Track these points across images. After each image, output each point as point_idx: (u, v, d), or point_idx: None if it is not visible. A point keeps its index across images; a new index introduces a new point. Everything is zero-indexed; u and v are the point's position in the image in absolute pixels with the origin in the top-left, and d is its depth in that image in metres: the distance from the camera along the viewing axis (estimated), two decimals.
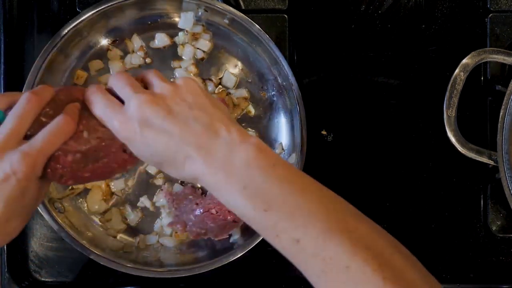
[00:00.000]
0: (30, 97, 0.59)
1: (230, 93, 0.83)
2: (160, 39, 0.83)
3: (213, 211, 0.76)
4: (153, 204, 0.83)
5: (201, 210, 0.77)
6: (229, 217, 0.77)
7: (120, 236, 0.83)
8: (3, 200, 0.57)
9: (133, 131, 0.57)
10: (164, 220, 0.82)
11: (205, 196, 0.81)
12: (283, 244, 0.54)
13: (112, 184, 0.83)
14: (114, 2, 0.78)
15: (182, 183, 0.82)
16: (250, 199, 0.54)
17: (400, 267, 0.51)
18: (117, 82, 0.61)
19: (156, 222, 0.83)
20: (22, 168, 0.56)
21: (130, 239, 0.83)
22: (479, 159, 0.77)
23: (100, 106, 0.60)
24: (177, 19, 0.83)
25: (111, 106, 0.59)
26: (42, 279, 0.85)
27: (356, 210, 0.56)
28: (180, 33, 0.83)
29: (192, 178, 0.57)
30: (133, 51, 0.83)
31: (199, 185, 0.83)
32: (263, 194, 0.54)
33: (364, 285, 0.50)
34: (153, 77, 0.62)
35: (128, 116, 0.58)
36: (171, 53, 0.84)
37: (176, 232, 0.82)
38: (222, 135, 0.56)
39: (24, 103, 0.59)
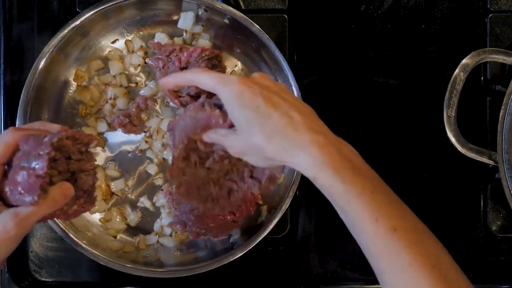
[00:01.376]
0: None
1: None
2: (160, 39, 0.83)
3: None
4: (153, 204, 0.83)
5: (200, 209, 0.77)
6: (229, 217, 0.77)
7: (120, 236, 0.83)
8: None
9: (255, 94, 0.58)
10: (164, 220, 0.82)
11: None
12: (378, 229, 0.55)
13: (112, 184, 0.83)
14: (114, 2, 0.78)
15: None
16: (361, 178, 0.56)
17: (459, 284, 0.57)
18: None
19: (156, 222, 0.83)
20: (12, 230, 0.58)
21: (130, 239, 0.83)
22: (479, 159, 0.77)
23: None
24: (177, 19, 0.83)
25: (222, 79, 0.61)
26: (42, 279, 0.85)
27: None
28: (177, 38, 0.83)
29: (292, 163, 0.59)
30: (133, 51, 0.83)
31: None
32: (369, 178, 0.57)
33: (445, 284, 0.54)
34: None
35: (251, 82, 0.59)
36: None
37: (176, 232, 0.82)
38: (305, 145, 0.58)
39: None
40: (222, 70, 0.80)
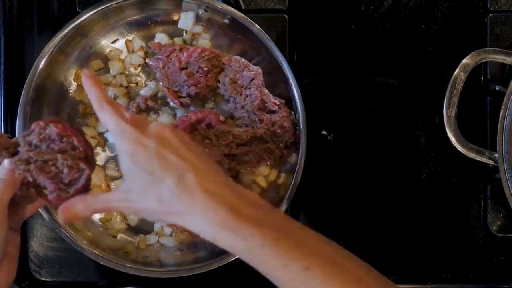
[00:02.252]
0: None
1: None
2: (160, 39, 0.83)
3: None
4: None
5: None
6: None
7: (120, 236, 0.83)
8: None
9: (151, 156, 0.57)
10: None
11: None
12: (291, 274, 0.55)
13: (112, 184, 0.83)
14: (114, 2, 0.78)
15: None
16: (261, 228, 0.55)
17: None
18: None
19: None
20: None
21: (130, 239, 0.83)
22: (479, 159, 0.77)
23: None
24: (177, 19, 0.83)
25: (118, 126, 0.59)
26: (42, 279, 0.85)
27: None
28: (177, 38, 0.83)
29: (187, 225, 0.57)
30: (133, 51, 0.84)
31: None
32: (271, 224, 0.56)
33: None
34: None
35: (148, 138, 0.58)
36: None
37: (176, 232, 0.82)
38: (197, 204, 0.56)
39: None
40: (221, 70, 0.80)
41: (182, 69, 0.78)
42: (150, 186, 0.56)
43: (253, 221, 0.55)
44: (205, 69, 0.78)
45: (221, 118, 0.82)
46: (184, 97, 0.80)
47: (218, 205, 0.55)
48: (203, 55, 0.77)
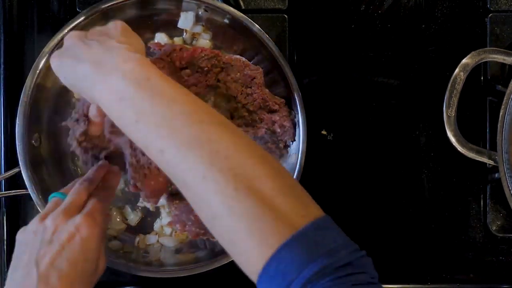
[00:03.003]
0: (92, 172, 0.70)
1: None
2: (160, 39, 0.83)
3: None
4: (153, 204, 0.83)
5: None
6: None
7: (120, 236, 0.83)
8: (68, 260, 0.60)
9: (56, 60, 0.63)
10: (163, 220, 0.82)
11: None
12: (151, 155, 0.55)
13: None
14: (114, 2, 0.78)
15: None
16: (124, 110, 0.55)
17: (258, 176, 0.51)
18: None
19: (156, 222, 0.83)
20: (84, 224, 0.62)
21: (130, 239, 0.83)
22: (479, 159, 0.77)
23: None
24: (177, 19, 0.83)
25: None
26: None
27: (228, 123, 0.56)
28: (177, 38, 0.83)
29: (91, 97, 0.59)
30: None
31: None
32: (134, 105, 0.55)
33: (217, 196, 0.50)
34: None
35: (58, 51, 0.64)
36: None
37: (176, 232, 0.82)
38: (111, 51, 0.58)
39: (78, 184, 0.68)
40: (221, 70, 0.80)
41: (181, 69, 0.78)
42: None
43: (120, 100, 0.55)
44: (205, 69, 0.78)
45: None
46: None
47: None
48: (203, 55, 0.77)
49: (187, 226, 0.78)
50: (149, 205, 0.83)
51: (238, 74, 0.79)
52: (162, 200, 0.82)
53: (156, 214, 0.83)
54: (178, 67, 0.78)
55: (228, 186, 0.50)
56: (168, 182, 0.76)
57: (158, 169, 0.74)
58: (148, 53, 0.83)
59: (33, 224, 0.65)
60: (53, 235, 0.62)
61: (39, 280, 0.59)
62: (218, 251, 0.79)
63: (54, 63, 0.63)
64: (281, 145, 0.80)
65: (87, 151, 0.73)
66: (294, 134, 0.80)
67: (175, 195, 0.82)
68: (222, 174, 0.50)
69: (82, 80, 0.59)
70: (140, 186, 0.73)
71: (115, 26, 0.64)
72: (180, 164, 0.52)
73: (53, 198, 0.69)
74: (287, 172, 0.56)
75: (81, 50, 0.60)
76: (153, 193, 0.76)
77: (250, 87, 0.78)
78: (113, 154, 0.74)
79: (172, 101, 0.55)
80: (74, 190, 0.68)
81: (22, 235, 0.65)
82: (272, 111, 0.79)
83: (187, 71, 0.78)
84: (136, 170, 0.73)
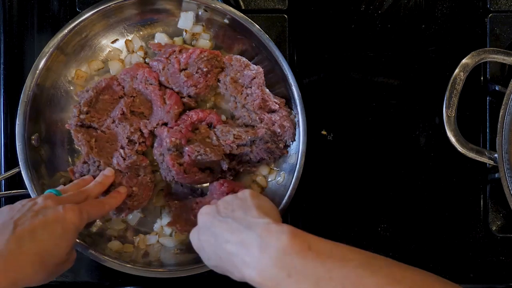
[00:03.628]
0: (95, 183, 0.75)
1: None
2: (160, 39, 0.83)
3: None
4: (153, 204, 0.83)
5: (198, 207, 0.77)
6: None
7: (120, 236, 0.83)
8: (46, 234, 0.63)
9: (195, 239, 0.67)
10: (164, 220, 0.82)
11: (204, 196, 0.81)
12: None
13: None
14: (114, 2, 0.78)
15: (181, 184, 0.82)
16: (297, 285, 0.55)
17: None
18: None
19: (156, 222, 0.83)
20: (71, 210, 0.66)
21: (130, 239, 0.83)
22: (479, 159, 0.77)
23: None
24: (177, 19, 0.83)
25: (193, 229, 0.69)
26: None
27: (396, 261, 0.59)
28: (177, 38, 0.83)
29: (241, 276, 0.59)
30: (133, 51, 0.83)
31: (198, 185, 0.83)
32: (309, 277, 0.55)
33: None
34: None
35: (196, 228, 0.68)
36: None
37: (175, 232, 0.82)
38: (255, 229, 0.59)
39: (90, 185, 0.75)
40: (222, 69, 0.80)
41: (181, 70, 0.78)
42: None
43: (289, 276, 0.55)
44: (204, 69, 0.78)
45: (223, 118, 0.82)
46: (184, 98, 0.80)
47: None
48: (202, 56, 0.77)
49: (186, 226, 0.78)
50: (149, 205, 0.83)
51: (238, 74, 0.79)
52: (162, 200, 0.83)
53: (156, 214, 0.83)
54: (178, 68, 0.78)
55: None
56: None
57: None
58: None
59: (23, 200, 0.68)
60: (40, 209, 0.65)
61: (10, 238, 0.61)
62: None
63: (195, 243, 0.67)
64: (281, 145, 0.80)
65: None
66: (294, 134, 0.80)
67: (174, 195, 0.82)
68: None
69: (227, 262, 0.60)
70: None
71: (246, 197, 0.66)
72: None
73: (48, 192, 0.71)
74: None
75: (219, 229, 0.62)
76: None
77: (250, 87, 0.78)
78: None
79: (344, 259, 0.56)
80: (68, 190, 0.72)
81: (8, 206, 0.67)
82: (272, 111, 0.79)
83: (187, 72, 0.78)
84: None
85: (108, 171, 0.76)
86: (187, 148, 0.76)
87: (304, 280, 0.55)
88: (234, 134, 0.77)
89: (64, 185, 0.77)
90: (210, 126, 0.80)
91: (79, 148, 0.80)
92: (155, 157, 0.80)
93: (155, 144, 0.80)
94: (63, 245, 0.65)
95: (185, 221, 0.79)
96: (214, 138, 0.78)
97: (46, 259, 0.64)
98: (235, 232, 0.60)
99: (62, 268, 0.68)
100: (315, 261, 0.55)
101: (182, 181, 0.79)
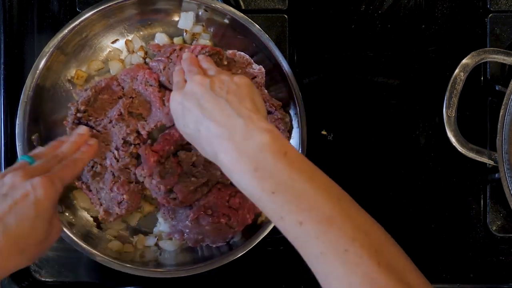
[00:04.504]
0: (69, 143, 0.72)
1: None
2: (160, 39, 0.83)
3: (209, 211, 0.76)
4: (143, 212, 0.83)
5: (195, 211, 0.77)
6: (222, 220, 0.76)
7: (119, 236, 0.83)
8: (17, 217, 0.60)
9: (177, 102, 0.66)
10: (161, 227, 0.82)
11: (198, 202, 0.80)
12: (286, 226, 0.56)
13: None
14: (114, 2, 0.78)
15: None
16: (259, 180, 0.57)
17: (394, 255, 0.55)
18: (184, 66, 0.72)
19: (155, 226, 0.83)
20: (40, 186, 0.62)
21: (129, 239, 0.83)
22: (479, 159, 0.77)
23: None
24: (177, 19, 0.83)
25: (176, 86, 0.70)
26: (42, 279, 0.85)
27: (357, 204, 0.59)
28: (177, 38, 0.83)
29: (212, 154, 0.61)
30: (133, 51, 0.83)
31: None
32: (272, 177, 0.57)
33: (360, 268, 0.52)
34: (208, 65, 0.72)
35: (181, 91, 0.67)
36: None
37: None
38: (244, 118, 0.60)
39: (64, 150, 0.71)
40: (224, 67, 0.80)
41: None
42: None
43: (259, 169, 0.57)
44: None
45: None
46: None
47: (230, 149, 0.59)
48: (204, 52, 0.77)
49: (185, 234, 0.78)
50: (149, 205, 0.83)
51: (240, 70, 0.79)
52: (150, 208, 0.83)
53: (156, 214, 0.83)
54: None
55: (370, 260, 0.53)
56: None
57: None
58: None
59: None
60: (8, 191, 0.62)
61: None
62: (216, 253, 0.79)
63: (175, 104, 0.66)
64: None
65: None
66: (289, 138, 0.80)
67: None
68: (365, 249, 0.53)
69: (205, 137, 0.61)
70: (202, 238, 0.79)
71: (242, 84, 0.66)
72: (320, 237, 0.54)
73: (21, 160, 0.68)
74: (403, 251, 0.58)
75: (209, 104, 0.62)
76: (217, 238, 0.79)
77: None
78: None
79: (311, 177, 0.57)
80: (43, 154, 0.69)
81: None
82: (267, 113, 0.79)
83: None
84: (196, 226, 0.78)
85: (83, 129, 0.74)
86: (176, 190, 0.77)
87: (267, 179, 0.56)
88: None
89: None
90: None
91: None
92: (139, 178, 0.78)
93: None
94: (39, 225, 0.62)
95: (183, 229, 0.78)
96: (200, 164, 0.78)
97: (23, 244, 0.61)
98: (224, 114, 0.61)
99: (45, 246, 0.65)
100: (284, 167, 0.57)
101: (179, 206, 0.79)
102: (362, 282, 0.52)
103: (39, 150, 0.71)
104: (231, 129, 0.60)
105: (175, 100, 0.67)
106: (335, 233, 0.54)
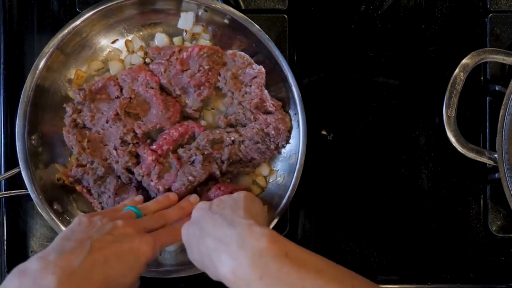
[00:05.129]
0: (177, 208, 0.74)
1: None
2: (160, 39, 0.83)
3: None
4: None
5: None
6: None
7: None
8: (118, 265, 0.62)
9: (185, 232, 0.67)
10: None
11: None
12: None
13: None
14: (114, 2, 0.78)
15: None
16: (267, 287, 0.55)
17: None
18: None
19: None
20: (148, 244, 0.65)
21: None
22: (479, 159, 0.77)
23: None
24: (177, 19, 0.82)
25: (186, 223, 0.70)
26: None
27: (368, 280, 0.59)
28: (176, 38, 0.83)
29: (214, 271, 0.60)
30: (133, 51, 0.83)
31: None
32: (281, 282, 0.55)
33: None
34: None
35: (188, 222, 0.68)
36: None
37: None
38: (238, 228, 0.60)
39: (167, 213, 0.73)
40: (223, 66, 0.80)
41: (183, 71, 0.78)
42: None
43: (260, 278, 0.56)
44: (206, 67, 0.78)
45: (203, 123, 0.82)
46: (190, 108, 0.80)
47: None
48: (202, 52, 0.77)
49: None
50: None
51: (240, 70, 0.79)
52: None
53: None
54: (180, 68, 0.78)
55: None
56: None
57: None
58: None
59: (102, 217, 0.67)
60: (119, 236, 0.64)
61: (86, 259, 0.60)
62: None
63: (184, 236, 0.67)
64: (272, 146, 0.80)
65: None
66: (288, 137, 0.80)
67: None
68: None
69: (206, 256, 0.61)
70: None
71: (239, 197, 0.67)
72: None
73: (129, 209, 0.70)
74: None
75: (205, 224, 0.63)
76: None
77: (250, 86, 0.78)
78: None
79: (318, 270, 0.56)
80: (149, 210, 0.72)
81: (86, 217, 0.66)
82: (267, 113, 0.79)
83: (189, 71, 0.78)
84: None
85: (194, 198, 0.76)
86: (174, 189, 0.77)
87: (275, 285, 0.55)
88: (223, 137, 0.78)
89: (58, 180, 0.77)
90: (193, 137, 0.80)
91: (71, 149, 0.80)
92: (137, 177, 0.79)
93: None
94: (131, 275, 0.64)
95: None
96: (210, 149, 0.78)
97: (111, 286, 0.62)
98: (218, 227, 0.61)
99: None
100: (290, 268, 0.55)
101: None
102: None
103: (144, 204, 0.73)
104: (226, 240, 0.59)
105: (184, 232, 0.67)
106: None
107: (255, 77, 0.78)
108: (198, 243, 0.63)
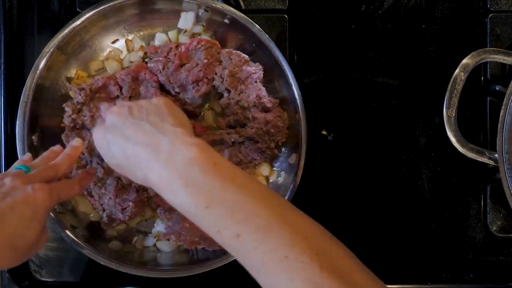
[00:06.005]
0: (64, 155, 0.70)
1: None
2: (160, 39, 0.83)
3: None
4: (143, 217, 0.83)
5: None
6: None
7: (119, 236, 0.83)
8: (15, 218, 0.61)
9: (100, 137, 0.65)
10: (159, 227, 0.82)
11: None
12: (224, 239, 0.56)
13: None
14: (114, 2, 0.78)
15: None
16: (192, 196, 0.56)
17: (336, 256, 0.55)
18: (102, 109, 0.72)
19: (154, 225, 0.83)
20: (41, 190, 0.62)
21: (130, 239, 0.83)
22: (479, 159, 0.77)
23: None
24: (177, 19, 0.82)
25: (97, 124, 0.69)
26: (42, 279, 0.85)
27: (295, 206, 0.59)
28: (171, 32, 0.83)
29: (143, 177, 0.60)
30: (132, 50, 0.83)
31: None
32: (204, 191, 0.56)
33: (302, 274, 0.52)
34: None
35: (102, 126, 0.66)
36: None
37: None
38: (168, 136, 0.60)
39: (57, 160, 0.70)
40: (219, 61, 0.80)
41: (181, 66, 0.78)
42: None
43: (190, 184, 0.56)
44: (204, 61, 0.78)
45: (203, 123, 0.82)
46: (191, 105, 0.80)
47: (159, 167, 0.59)
48: (200, 45, 0.77)
49: (181, 236, 0.78)
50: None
51: (237, 68, 0.79)
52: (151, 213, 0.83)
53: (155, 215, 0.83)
54: (178, 64, 0.78)
55: (312, 264, 0.52)
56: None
57: None
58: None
59: None
60: (9, 191, 0.62)
61: None
62: (218, 251, 0.79)
63: (98, 140, 0.65)
64: (273, 145, 0.80)
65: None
66: (287, 135, 0.80)
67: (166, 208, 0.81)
68: (305, 254, 0.52)
69: (133, 163, 0.61)
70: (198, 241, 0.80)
71: (161, 104, 0.66)
72: (259, 246, 0.54)
73: (17, 169, 0.68)
74: (348, 250, 0.58)
75: (131, 131, 0.62)
76: (213, 242, 0.77)
77: (247, 83, 0.78)
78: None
79: (242, 185, 0.56)
80: (38, 165, 0.69)
81: None
82: (266, 111, 0.79)
83: (188, 65, 0.78)
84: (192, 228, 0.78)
85: (76, 142, 0.73)
86: None
87: (199, 194, 0.56)
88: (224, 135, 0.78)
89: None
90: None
91: None
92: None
93: None
94: (34, 227, 0.62)
95: (179, 231, 0.79)
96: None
97: (16, 243, 0.62)
98: (148, 135, 0.61)
99: (33, 250, 0.66)
100: (214, 178, 0.56)
101: None
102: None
103: (32, 162, 0.71)
104: (157, 148, 0.59)
105: (98, 136, 0.66)
106: (273, 241, 0.53)
107: (252, 75, 0.78)
108: (124, 150, 0.62)
